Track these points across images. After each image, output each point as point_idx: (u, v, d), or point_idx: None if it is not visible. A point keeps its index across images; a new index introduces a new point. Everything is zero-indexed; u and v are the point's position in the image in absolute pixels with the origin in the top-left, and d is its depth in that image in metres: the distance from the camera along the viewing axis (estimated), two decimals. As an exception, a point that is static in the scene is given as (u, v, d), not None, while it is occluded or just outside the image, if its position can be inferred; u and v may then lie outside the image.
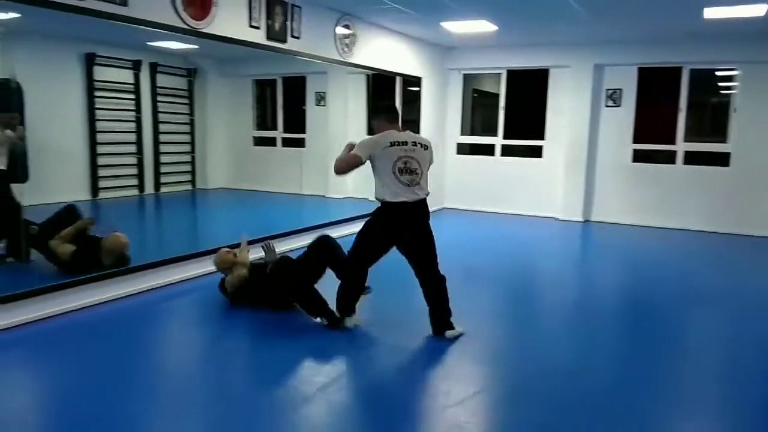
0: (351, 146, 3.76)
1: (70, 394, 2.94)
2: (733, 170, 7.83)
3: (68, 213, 4.89)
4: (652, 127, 8.45)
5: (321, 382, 3.13)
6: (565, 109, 8.65)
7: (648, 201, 8.31)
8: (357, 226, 7.58)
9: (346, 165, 3.70)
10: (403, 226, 3.70)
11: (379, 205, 3.73)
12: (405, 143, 3.69)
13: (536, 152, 9.02)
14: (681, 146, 8.13)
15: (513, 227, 8.26)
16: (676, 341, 3.95)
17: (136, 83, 6.94)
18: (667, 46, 7.81)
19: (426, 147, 3.80)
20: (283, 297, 4.13)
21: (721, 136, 8.02)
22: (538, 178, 8.94)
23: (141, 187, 7.07)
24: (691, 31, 7.13)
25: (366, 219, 3.88)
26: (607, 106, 8.50)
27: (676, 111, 8.09)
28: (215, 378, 3.21)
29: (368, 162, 3.71)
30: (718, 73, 8.15)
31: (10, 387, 3.12)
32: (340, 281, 3.94)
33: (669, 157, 8.26)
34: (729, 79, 8.03)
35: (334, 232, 6.76)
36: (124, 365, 3.28)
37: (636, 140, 8.40)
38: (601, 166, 8.62)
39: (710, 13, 6.02)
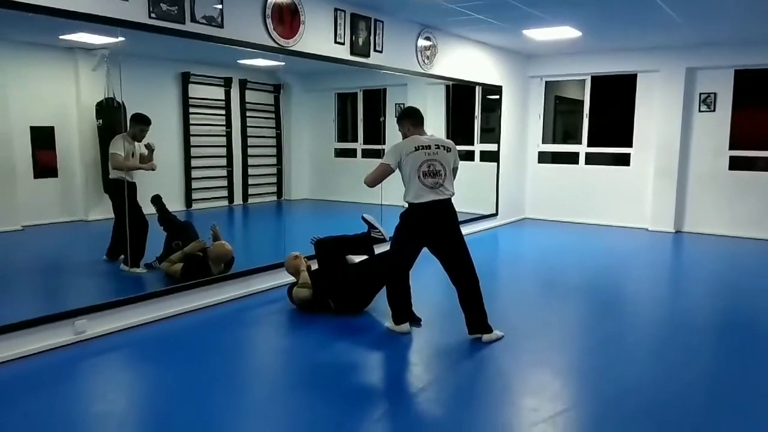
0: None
1: (176, 394, 3.12)
2: None
3: (186, 231, 5.23)
4: (750, 133, 7.96)
5: (408, 392, 3.16)
6: (655, 115, 8.30)
7: (747, 211, 7.81)
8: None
9: (379, 176, 3.90)
10: (428, 225, 3.85)
11: (407, 207, 3.89)
12: (428, 147, 3.83)
13: (623, 160, 8.70)
14: (784, 152, 7.62)
15: (599, 238, 8.00)
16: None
17: (227, 99, 7.26)
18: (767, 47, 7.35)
19: (449, 149, 3.92)
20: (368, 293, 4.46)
21: (830, 140, 7.44)
22: (625, 186, 8.61)
23: (230, 198, 7.38)
24: (795, 30, 6.69)
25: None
26: (701, 111, 8.08)
27: (778, 115, 7.59)
28: (302, 385, 3.30)
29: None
30: (825, 74, 7.58)
31: (113, 385, 3.36)
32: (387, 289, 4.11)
33: (770, 164, 7.76)
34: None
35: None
36: (213, 371, 3.44)
37: (733, 147, 7.94)
38: (694, 174, 8.20)
39: (818, 10, 5.63)
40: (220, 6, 4.49)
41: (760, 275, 6.14)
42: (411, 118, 4.00)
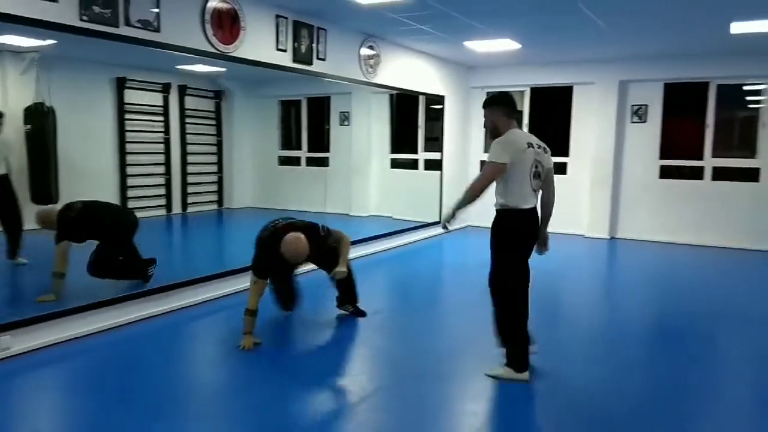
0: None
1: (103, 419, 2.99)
2: (762, 185, 7.69)
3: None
4: (679, 143, 8.36)
5: (351, 401, 3.13)
6: (590, 125, 8.60)
7: (675, 217, 8.19)
8: (381, 245, 7.60)
9: (490, 178, 3.24)
10: (532, 234, 3.42)
11: (503, 214, 3.33)
12: (533, 145, 3.32)
13: (561, 169, 8.96)
14: (709, 162, 8.03)
15: (538, 245, 8.18)
16: (704, 363, 3.87)
17: (165, 105, 7.09)
18: (694, 62, 7.75)
19: (547, 151, 3.45)
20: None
21: (749, 151, 7.89)
22: (562, 194, 8.59)
23: (169, 206, 7.18)
24: (718, 46, 7.07)
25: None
26: (633, 122, 8.43)
27: (703, 126, 8.00)
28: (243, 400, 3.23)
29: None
30: (745, 88, 8.03)
31: (40, 404, 3.19)
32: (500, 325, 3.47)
33: (697, 173, 8.15)
34: (757, 93, 7.91)
35: (358, 251, 6.82)
36: (142, 389, 3.32)
37: (663, 156, 8.32)
38: (627, 182, 8.54)
39: (738, 27, 5.96)
40: (156, 10, 4.37)
41: (688, 279, 6.43)
42: (508, 107, 3.42)
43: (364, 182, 8.92)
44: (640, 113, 8.38)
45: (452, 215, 3.38)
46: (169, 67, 6.46)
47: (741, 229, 7.77)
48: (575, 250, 7.86)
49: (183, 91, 7.23)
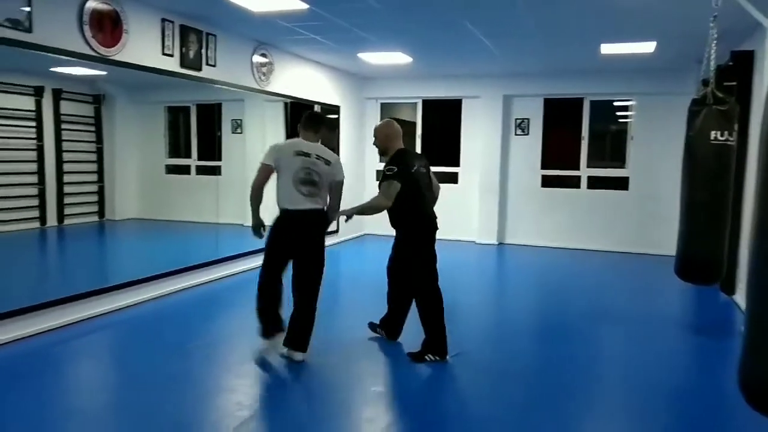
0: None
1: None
2: (631, 193, 8.41)
3: None
4: (558, 154, 8.94)
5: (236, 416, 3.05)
6: (478, 137, 8.99)
7: (556, 223, 8.73)
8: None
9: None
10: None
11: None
12: (309, 154, 3.94)
13: (452, 178, 9.29)
14: (584, 171, 8.65)
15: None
16: (584, 357, 4.16)
17: (38, 110, 6.56)
18: (570, 79, 8.33)
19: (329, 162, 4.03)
20: None
21: (620, 161, 8.61)
22: (454, 203, 9.16)
23: (43, 219, 6.63)
24: (590, 65, 7.66)
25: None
26: (517, 135, 8.92)
27: (579, 139, 8.61)
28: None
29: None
30: (615, 104, 8.76)
31: None
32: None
33: (574, 182, 8.76)
34: (626, 109, 8.66)
35: (254, 262, 6.65)
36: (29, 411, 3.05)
37: (544, 166, 8.86)
38: (512, 191, 9.00)
39: (607, 49, 6.50)
40: (27, 8, 4.04)
41: (566, 281, 6.88)
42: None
43: (258, 191, 8.71)
44: (523, 126, 8.88)
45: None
46: (42, 69, 5.99)
47: (612, 234, 8.43)
48: (465, 255, 8.15)
49: (58, 95, 6.72)
